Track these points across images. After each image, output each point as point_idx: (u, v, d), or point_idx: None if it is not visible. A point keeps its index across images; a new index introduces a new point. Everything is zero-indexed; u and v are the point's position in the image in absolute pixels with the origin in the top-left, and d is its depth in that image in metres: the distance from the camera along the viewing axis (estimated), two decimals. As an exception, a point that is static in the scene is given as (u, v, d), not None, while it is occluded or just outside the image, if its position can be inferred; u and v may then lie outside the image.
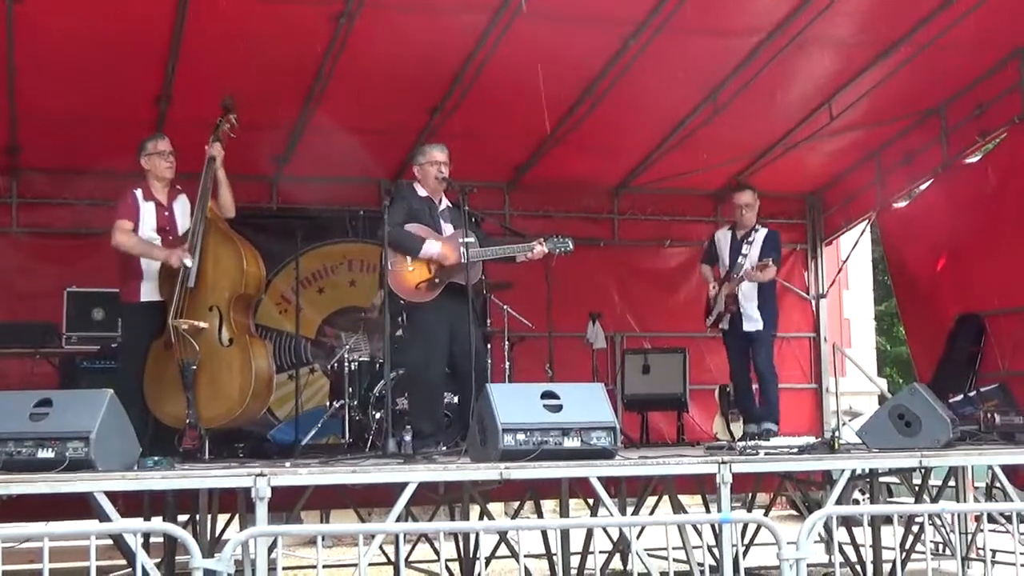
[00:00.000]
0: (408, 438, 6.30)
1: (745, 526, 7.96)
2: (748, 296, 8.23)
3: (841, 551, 7.71)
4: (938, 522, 8.65)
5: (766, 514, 8.55)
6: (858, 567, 8.02)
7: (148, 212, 6.78)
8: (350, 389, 8.23)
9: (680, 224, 10.79)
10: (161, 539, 7.04)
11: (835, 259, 12.47)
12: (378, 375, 8.06)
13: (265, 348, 6.91)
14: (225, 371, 6.63)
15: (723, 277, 8.37)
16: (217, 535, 7.41)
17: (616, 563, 7.71)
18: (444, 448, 6.82)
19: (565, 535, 7.10)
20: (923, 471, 7.67)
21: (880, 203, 10.53)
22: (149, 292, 6.77)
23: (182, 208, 6.89)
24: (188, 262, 6.57)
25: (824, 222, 11.31)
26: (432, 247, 6.91)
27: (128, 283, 6.82)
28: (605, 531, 7.76)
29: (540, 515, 8.78)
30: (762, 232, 8.37)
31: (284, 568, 4.69)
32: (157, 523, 6.80)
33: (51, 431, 5.34)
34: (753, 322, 8.23)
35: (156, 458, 5.81)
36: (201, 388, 6.53)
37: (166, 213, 6.84)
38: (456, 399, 7.37)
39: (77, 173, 8.97)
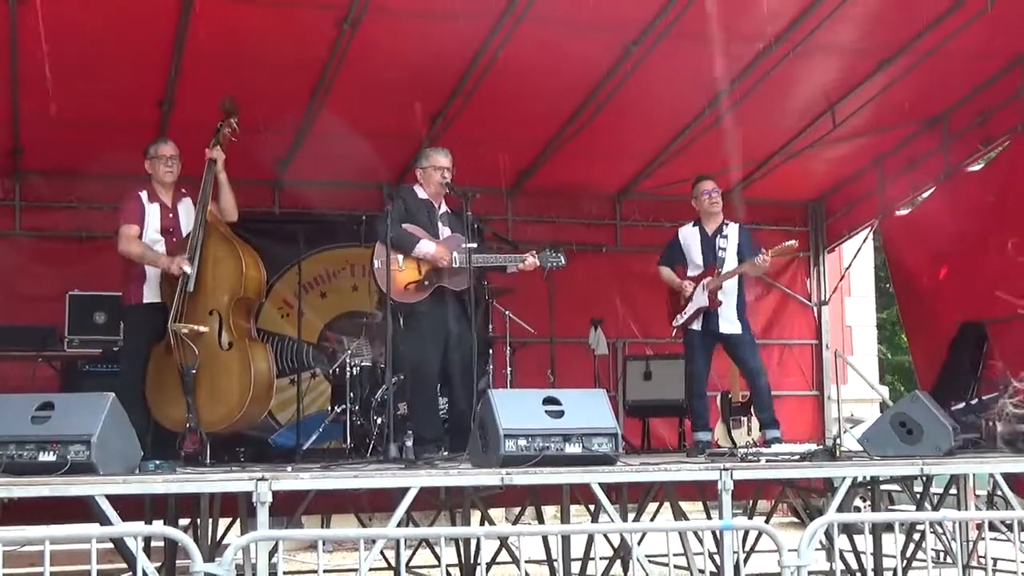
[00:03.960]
0: (409, 443, 6.29)
1: (746, 533, 7.92)
2: (727, 296, 7.90)
3: (842, 559, 7.70)
4: (939, 530, 8.63)
5: (767, 521, 8.56)
6: (859, 575, 8.01)
7: (153, 214, 6.81)
8: (352, 394, 8.21)
9: (682, 230, 10.75)
10: (162, 543, 7.03)
11: (837, 266, 12.46)
12: (380, 380, 8.05)
13: (265, 352, 6.89)
14: (224, 375, 6.62)
15: (700, 275, 7.92)
16: (218, 539, 7.41)
17: (617, 569, 7.68)
18: (445, 453, 6.82)
19: (566, 541, 7.10)
20: (924, 479, 7.66)
21: (882, 210, 10.53)
22: (151, 294, 6.78)
23: (186, 210, 6.89)
24: (188, 269, 6.57)
25: (827, 229, 11.28)
26: (426, 246, 6.91)
27: (131, 285, 6.83)
28: (606, 537, 7.76)
29: (541, 521, 8.76)
30: (734, 227, 8.02)
31: (285, 572, 4.67)
32: (158, 527, 6.75)
33: (53, 434, 5.33)
34: (732, 324, 7.90)
35: (157, 462, 5.81)
36: (201, 392, 6.52)
37: (170, 215, 6.86)
38: (447, 405, 7.34)
39: (79, 176, 8.95)
